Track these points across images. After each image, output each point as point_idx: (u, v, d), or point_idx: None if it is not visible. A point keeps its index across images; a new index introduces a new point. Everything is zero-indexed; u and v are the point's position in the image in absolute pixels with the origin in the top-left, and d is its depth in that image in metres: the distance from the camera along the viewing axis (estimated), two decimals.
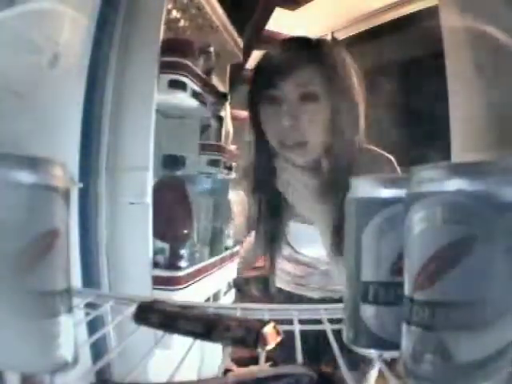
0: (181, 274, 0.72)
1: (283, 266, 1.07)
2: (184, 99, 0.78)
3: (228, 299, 1.01)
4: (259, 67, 0.92)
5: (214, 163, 0.99)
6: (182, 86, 0.76)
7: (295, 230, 1.00)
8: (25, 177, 0.33)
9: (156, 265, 0.73)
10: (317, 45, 0.90)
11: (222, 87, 1.19)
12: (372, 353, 0.39)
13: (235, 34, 1.17)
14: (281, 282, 1.09)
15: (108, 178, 0.73)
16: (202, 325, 0.42)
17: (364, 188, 0.40)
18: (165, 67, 0.74)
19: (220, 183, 1.02)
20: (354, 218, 0.40)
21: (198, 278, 0.78)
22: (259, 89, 0.89)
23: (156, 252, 0.73)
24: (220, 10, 1.04)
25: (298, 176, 0.90)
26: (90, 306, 0.54)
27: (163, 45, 0.75)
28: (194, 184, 0.87)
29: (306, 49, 0.88)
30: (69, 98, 0.67)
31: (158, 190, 0.74)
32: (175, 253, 0.74)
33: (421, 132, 1.62)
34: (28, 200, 0.33)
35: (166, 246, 0.74)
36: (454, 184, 0.30)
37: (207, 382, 0.34)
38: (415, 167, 0.33)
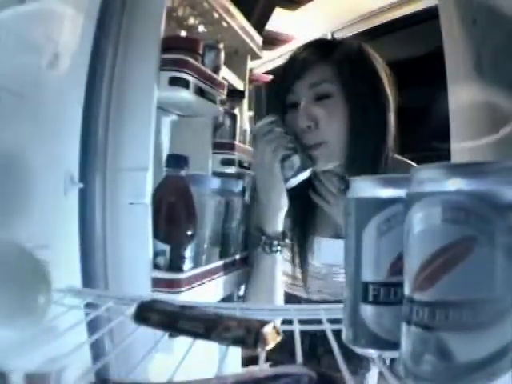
0: (182, 276, 0.70)
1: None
2: (187, 97, 0.77)
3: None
4: (275, 76, 1.00)
5: (227, 162, 0.96)
6: (183, 83, 0.75)
7: (324, 245, 0.96)
8: None
9: (157, 267, 0.71)
10: (331, 44, 0.91)
11: (241, 85, 1.17)
12: (372, 353, 0.39)
13: (254, 33, 1.14)
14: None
15: (108, 178, 0.73)
16: (202, 325, 0.42)
17: (364, 188, 0.40)
18: (166, 64, 0.74)
19: (235, 183, 0.96)
20: (353, 218, 0.40)
21: (203, 281, 0.76)
22: (278, 96, 0.92)
23: (157, 253, 0.72)
24: (232, 8, 1.02)
25: (329, 183, 0.90)
26: (89, 306, 0.54)
27: (166, 42, 0.74)
28: (204, 184, 0.84)
29: (319, 48, 0.89)
30: (69, 98, 0.67)
31: (160, 190, 0.74)
32: (177, 254, 0.73)
33: (421, 132, 1.62)
34: None
35: (166, 247, 0.72)
36: (454, 184, 0.30)
37: (207, 382, 0.34)
38: (415, 167, 0.33)
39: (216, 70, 0.89)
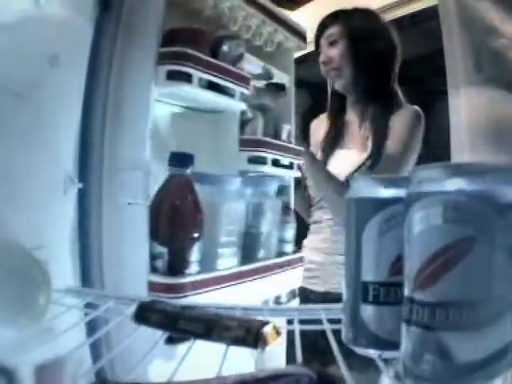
0: (184, 280, 0.66)
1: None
2: (189, 91, 0.72)
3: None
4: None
5: (256, 160, 0.88)
6: (184, 77, 0.70)
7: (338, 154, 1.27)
8: None
9: (155, 270, 0.67)
10: (345, 12, 1.26)
11: (286, 78, 1.09)
12: (372, 353, 0.39)
13: (297, 25, 1.09)
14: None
15: (107, 178, 0.72)
16: (202, 325, 0.42)
17: (364, 188, 0.40)
18: (165, 58, 0.70)
19: (268, 183, 0.88)
20: (353, 217, 0.40)
21: (216, 286, 0.70)
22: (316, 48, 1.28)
23: (155, 256, 0.68)
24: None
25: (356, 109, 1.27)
26: (89, 306, 0.54)
27: (171, 35, 0.71)
28: (219, 184, 0.76)
29: (335, 16, 1.25)
30: (68, 98, 0.67)
31: (162, 191, 0.70)
32: (179, 258, 0.68)
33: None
34: None
35: (164, 250, 0.68)
36: (454, 184, 0.30)
37: (207, 382, 0.34)
38: (415, 167, 0.33)
39: (235, 62, 0.83)
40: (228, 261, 0.76)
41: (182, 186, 0.70)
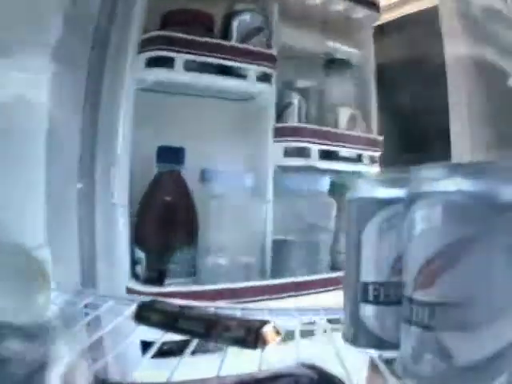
0: (158, 290, 0.59)
1: None
2: (171, 77, 0.65)
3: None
4: None
5: (293, 153, 0.73)
6: (164, 63, 0.64)
7: None
8: None
9: (137, 276, 0.63)
10: None
11: (355, 53, 0.92)
12: (372, 353, 0.39)
13: None
14: None
15: (100, 177, 0.69)
16: (202, 325, 0.42)
17: (364, 188, 0.40)
18: (148, 45, 0.64)
19: (311, 180, 0.74)
20: (353, 217, 0.40)
21: (205, 302, 0.59)
22: None
23: (136, 261, 0.63)
24: None
25: None
26: (89, 306, 0.54)
27: (166, 19, 0.67)
28: (225, 181, 0.67)
29: None
30: (68, 100, 0.67)
31: (149, 190, 0.65)
32: (155, 265, 0.61)
33: (420, 133, 1.62)
34: None
35: (142, 255, 0.62)
36: (454, 184, 0.30)
37: (207, 382, 0.34)
38: (415, 167, 0.33)
39: (249, 37, 0.73)
40: (240, 273, 0.65)
41: (170, 184, 0.64)
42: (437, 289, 0.30)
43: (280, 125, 0.74)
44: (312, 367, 0.32)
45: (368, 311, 0.38)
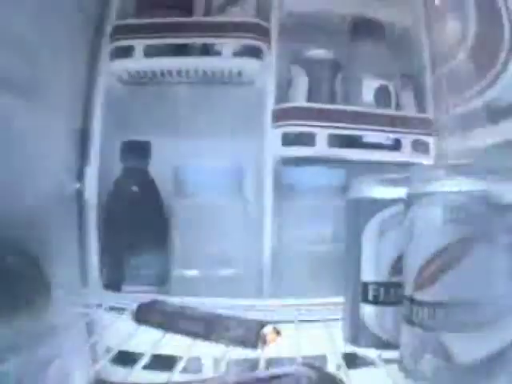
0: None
1: None
2: (134, 66, 0.61)
3: None
4: None
5: (294, 140, 0.58)
6: (126, 52, 0.61)
7: None
8: None
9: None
10: None
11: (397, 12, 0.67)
12: (371, 353, 0.39)
13: None
14: None
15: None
16: (202, 325, 0.42)
17: (364, 188, 0.40)
18: (115, 34, 0.61)
19: (323, 173, 0.59)
20: (353, 217, 0.40)
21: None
22: None
23: (101, 264, 0.61)
24: None
25: None
26: (89, 306, 0.54)
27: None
28: (209, 178, 0.59)
29: None
30: (67, 98, 0.67)
31: (113, 188, 0.61)
32: (112, 269, 0.58)
33: None
34: None
35: (103, 257, 0.59)
36: (454, 184, 0.30)
37: (207, 382, 0.34)
38: (415, 167, 0.33)
39: (223, 8, 0.64)
40: (214, 287, 0.56)
41: (135, 181, 0.60)
42: (437, 289, 0.30)
43: (277, 107, 0.60)
44: (312, 367, 0.32)
45: (368, 311, 0.38)
